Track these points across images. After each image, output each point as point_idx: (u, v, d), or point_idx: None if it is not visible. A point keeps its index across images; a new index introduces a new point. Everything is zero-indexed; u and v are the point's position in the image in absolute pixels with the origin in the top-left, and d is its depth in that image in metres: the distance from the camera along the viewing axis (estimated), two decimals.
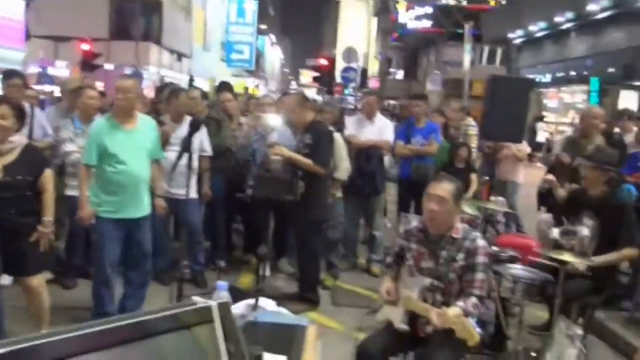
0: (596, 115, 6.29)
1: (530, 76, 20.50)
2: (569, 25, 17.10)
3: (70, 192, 5.06)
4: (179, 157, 4.19)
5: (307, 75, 28.05)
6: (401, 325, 3.25)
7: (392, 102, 25.88)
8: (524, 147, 7.75)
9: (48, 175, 4.06)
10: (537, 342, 4.44)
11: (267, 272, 6.07)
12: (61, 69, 20.72)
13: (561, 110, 19.10)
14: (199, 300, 1.29)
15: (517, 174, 7.78)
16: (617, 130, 6.09)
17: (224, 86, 6.81)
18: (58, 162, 5.23)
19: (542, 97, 21.71)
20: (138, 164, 4.33)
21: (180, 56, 28.74)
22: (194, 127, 3.98)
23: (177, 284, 4.20)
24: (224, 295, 2.18)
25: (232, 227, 6.99)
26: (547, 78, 19.51)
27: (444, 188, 3.23)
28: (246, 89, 26.47)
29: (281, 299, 5.27)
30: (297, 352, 1.90)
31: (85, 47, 17.04)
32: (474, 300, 3.11)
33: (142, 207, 4.41)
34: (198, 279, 5.67)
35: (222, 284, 2.18)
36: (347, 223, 6.48)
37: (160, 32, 25.45)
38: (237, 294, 3.16)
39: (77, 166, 4.99)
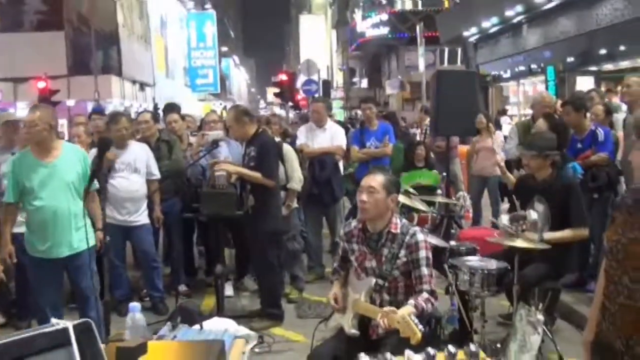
0: (546, 101, 6.32)
1: (492, 72, 20.79)
2: (520, 18, 17.26)
3: (15, 230, 4.88)
4: (96, 180, 3.88)
5: (271, 93, 28.09)
6: (351, 330, 3.16)
7: (358, 111, 25.96)
8: (498, 139, 7.73)
9: None
10: (502, 333, 4.38)
11: (230, 292, 5.97)
12: (23, 110, 20.38)
13: (523, 102, 19.28)
14: (56, 322, 1.18)
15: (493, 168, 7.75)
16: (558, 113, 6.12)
17: (170, 107, 6.70)
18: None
19: (504, 92, 21.92)
20: (58, 199, 4.01)
21: (142, 86, 28.52)
22: (102, 147, 3.70)
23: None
24: (138, 317, 2.07)
25: (194, 250, 6.87)
26: (508, 73, 19.70)
27: (373, 178, 3.22)
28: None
29: (244, 317, 5.21)
30: None
31: (42, 84, 16.77)
32: (425, 295, 3.06)
33: (70, 245, 4.07)
34: (158, 306, 5.52)
35: (134, 305, 2.07)
36: (309, 233, 6.40)
37: (120, 63, 25.23)
38: (197, 318, 3.05)
39: None
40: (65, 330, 1.17)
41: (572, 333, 4.63)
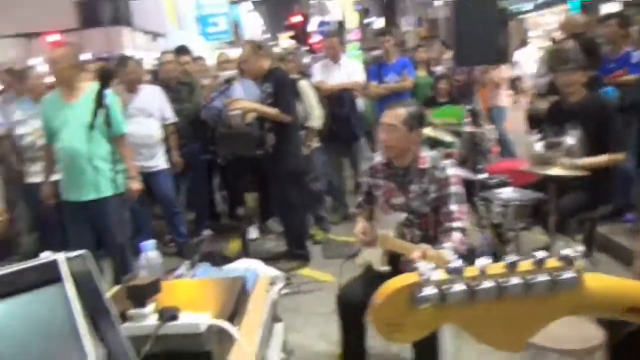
0: (576, 21, 5.99)
1: (512, 6, 20.00)
2: None
3: (31, 179, 4.79)
4: (94, 116, 3.57)
5: (285, 38, 27.55)
6: (381, 266, 3.00)
7: (374, 52, 25.37)
8: (502, 72, 7.54)
9: None
10: None
11: (255, 235, 5.89)
12: (38, 66, 20.26)
13: (544, 36, 18.62)
14: (45, 255, 1.03)
15: (500, 99, 7.58)
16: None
17: (182, 50, 6.47)
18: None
19: (525, 25, 21.17)
20: (78, 141, 3.85)
21: (155, 36, 28.12)
22: (103, 77, 3.39)
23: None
24: (152, 256, 1.93)
25: (216, 195, 6.78)
26: (529, 5, 18.99)
27: (393, 115, 2.97)
28: None
29: (271, 259, 5.12)
30: (239, 304, 1.66)
31: (52, 38, 16.54)
32: (458, 235, 2.86)
33: (95, 189, 3.93)
34: (183, 250, 5.44)
35: (147, 243, 1.92)
36: (331, 174, 6.22)
37: (130, 14, 24.83)
38: (223, 261, 2.93)
39: (34, 150, 4.74)
40: (55, 264, 1.00)
41: (610, 264, 4.45)
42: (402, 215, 2.99)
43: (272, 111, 4.67)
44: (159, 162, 5.22)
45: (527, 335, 0.97)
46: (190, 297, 1.74)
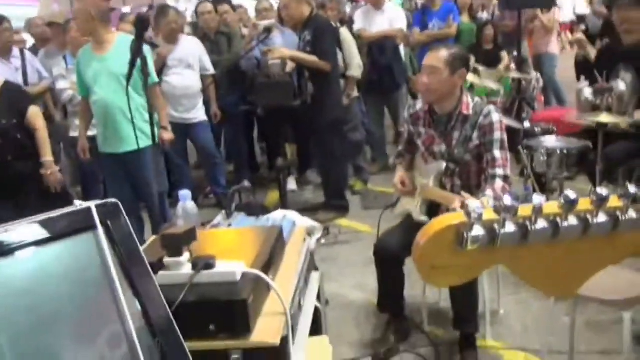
0: None
1: None
2: None
3: (73, 133, 4.87)
4: (132, 67, 3.59)
5: None
6: (420, 216, 2.97)
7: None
8: (553, 16, 7.20)
9: (34, 112, 3.84)
10: None
11: (294, 186, 5.90)
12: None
13: None
14: (78, 204, 1.03)
15: (550, 46, 7.28)
16: None
17: None
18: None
19: None
20: (109, 92, 3.84)
21: None
22: (140, 26, 3.29)
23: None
24: (189, 206, 1.94)
25: (257, 147, 6.82)
26: None
27: (435, 56, 2.85)
28: None
29: (309, 210, 5.13)
30: (275, 253, 1.66)
31: None
32: (500, 183, 2.79)
33: (129, 141, 3.87)
34: (223, 202, 5.49)
35: (184, 193, 1.93)
36: (371, 123, 6.15)
37: None
38: (261, 211, 2.94)
39: (74, 104, 4.81)
40: (89, 211, 1.01)
41: None
42: (443, 164, 2.93)
43: (311, 59, 4.59)
44: (199, 113, 5.23)
45: (582, 280, 0.92)
46: (226, 246, 1.75)
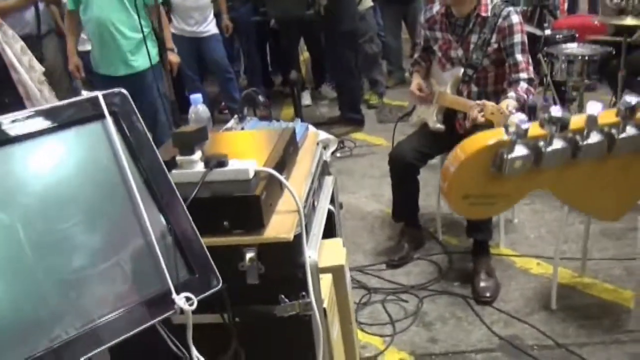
0: None
1: None
2: None
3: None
4: None
5: None
6: (436, 125, 2.93)
7: None
8: None
9: None
10: None
11: (308, 101, 5.85)
12: None
13: None
14: (86, 93, 1.02)
15: None
16: None
17: None
18: None
19: None
20: (106, 10, 3.61)
21: None
22: None
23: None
24: (201, 109, 1.92)
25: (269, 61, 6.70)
26: None
27: None
28: None
29: (324, 124, 5.10)
30: (288, 154, 1.65)
31: None
32: (524, 85, 2.72)
33: (127, 63, 3.72)
34: (237, 115, 5.46)
35: (196, 97, 1.90)
36: (387, 35, 5.99)
37: None
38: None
39: None
40: (96, 100, 0.99)
41: None
42: (460, 70, 2.86)
43: None
44: (210, 26, 5.12)
45: (634, 201, 0.80)
46: (239, 147, 1.74)
